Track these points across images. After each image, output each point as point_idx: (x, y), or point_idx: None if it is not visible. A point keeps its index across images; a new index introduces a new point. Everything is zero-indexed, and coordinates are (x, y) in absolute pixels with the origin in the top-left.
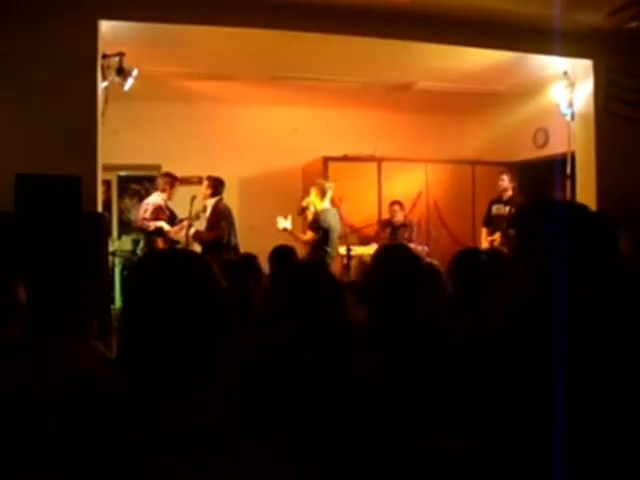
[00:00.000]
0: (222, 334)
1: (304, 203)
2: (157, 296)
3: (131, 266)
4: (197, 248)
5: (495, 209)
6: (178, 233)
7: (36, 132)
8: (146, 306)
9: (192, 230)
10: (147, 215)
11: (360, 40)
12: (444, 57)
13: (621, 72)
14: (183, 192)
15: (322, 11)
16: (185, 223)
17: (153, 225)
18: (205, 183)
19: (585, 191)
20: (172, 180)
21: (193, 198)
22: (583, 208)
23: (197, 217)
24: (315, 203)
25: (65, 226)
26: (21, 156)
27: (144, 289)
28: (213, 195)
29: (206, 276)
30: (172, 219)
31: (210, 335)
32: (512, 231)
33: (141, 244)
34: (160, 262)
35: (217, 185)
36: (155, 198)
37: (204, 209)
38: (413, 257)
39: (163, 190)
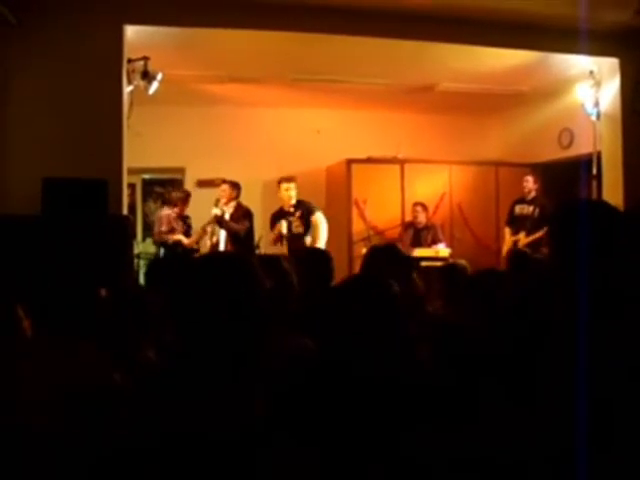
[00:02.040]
0: (263, 333)
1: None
2: (206, 298)
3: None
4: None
5: (518, 209)
6: (194, 242)
7: (62, 136)
8: (195, 308)
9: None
10: (163, 229)
11: (382, 42)
12: (467, 58)
13: None
14: (206, 195)
15: (343, 13)
16: (208, 229)
17: (172, 239)
18: (226, 187)
19: (612, 191)
20: (185, 196)
21: (217, 201)
22: (614, 208)
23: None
24: None
25: (91, 229)
26: (48, 160)
27: (195, 291)
28: (236, 198)
29: (249, 278)
30: (187, 230)
31: (251, 334)
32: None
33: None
34: (207, 266)
35: (238, 188)
36: (166, 211)
37: (221, 214)
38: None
39: (175, 205)
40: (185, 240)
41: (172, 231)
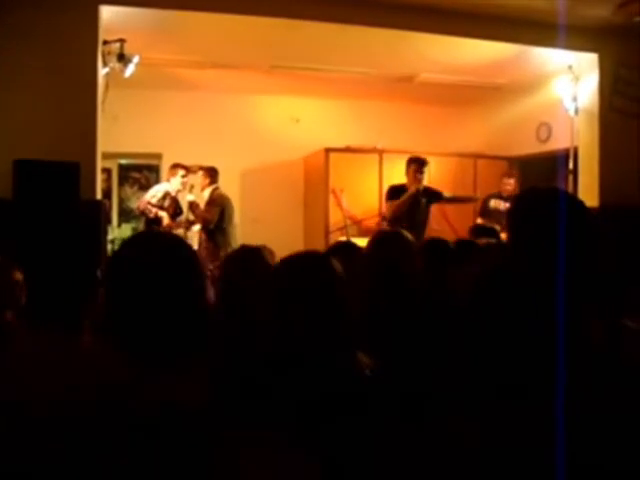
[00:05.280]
0: (206, 318)
1: None
2: (140, 279)
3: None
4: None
5: (493, 203)
6: (176, 230)
7: (36, 118)
8: (130, 289)
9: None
10: (153, 200)
11: (362, 30)
12: (446, 49)
13: (627, 66)
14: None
15: (323, 0)
16: (182, 223)
17: (154, 212)
18: (201, 174)
19: (587, 187)
20: (173, 168)
21: (191, 187)
22: (575, 198)
23: (192, 220)
24: None
25: (63, 213)
26: (20, 142)
27: (126, 272)
28: (210, 184)
29: (187, 260)
30: (176, 213)
31: (192, 319)
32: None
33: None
34: (143, 244)
35: (213, 174)
36: (165, 185)
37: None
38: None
39: (168, 180)
40: (166, 220)
41: (160, 208)
